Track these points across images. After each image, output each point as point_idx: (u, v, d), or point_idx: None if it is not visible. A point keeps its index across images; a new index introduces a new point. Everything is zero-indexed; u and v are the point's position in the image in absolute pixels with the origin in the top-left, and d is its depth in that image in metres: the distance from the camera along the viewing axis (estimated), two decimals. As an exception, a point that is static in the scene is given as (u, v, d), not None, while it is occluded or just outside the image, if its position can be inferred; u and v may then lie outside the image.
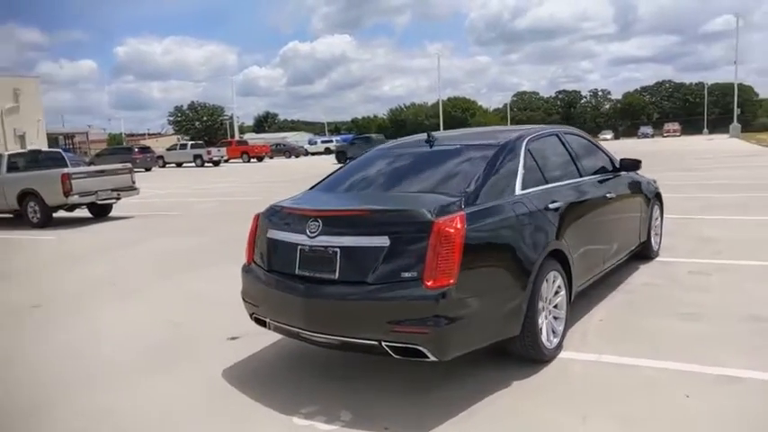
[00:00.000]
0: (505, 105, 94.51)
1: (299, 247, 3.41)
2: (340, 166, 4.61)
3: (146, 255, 8.30)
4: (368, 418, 3.14)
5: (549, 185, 4.04)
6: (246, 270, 3.84)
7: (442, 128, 51.61)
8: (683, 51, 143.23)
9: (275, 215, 3.73)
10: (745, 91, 74.03)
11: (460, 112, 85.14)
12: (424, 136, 4.38)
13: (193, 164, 38.96)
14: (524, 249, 3.46)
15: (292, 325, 3.44)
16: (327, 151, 54.83)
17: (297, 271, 3.42)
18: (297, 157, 52.95)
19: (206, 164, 38.96)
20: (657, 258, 6.09)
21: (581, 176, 4.56)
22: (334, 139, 60.22)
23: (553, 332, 3.73)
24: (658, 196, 6.21)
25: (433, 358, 3.03)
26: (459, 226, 3.07)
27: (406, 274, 3.05)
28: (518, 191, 3.70)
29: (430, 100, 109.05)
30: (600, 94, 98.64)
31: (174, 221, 11.81)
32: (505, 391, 3.36)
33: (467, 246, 3.06)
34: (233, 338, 4.54)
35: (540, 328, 3.57)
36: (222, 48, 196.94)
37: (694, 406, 3.06)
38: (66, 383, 3.90)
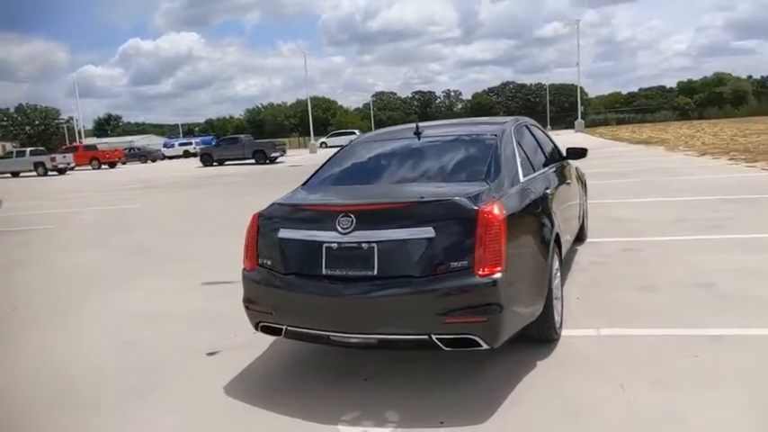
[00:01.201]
0: (365, 105, 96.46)
1: (326, 245, 3.20)
2: (329, 158, 4.35)
3: (46, 275, 7.25)
4: (418, 416, 3.04)
5: (536, 173, 4.22)
6: (250, 276, 3.52)
7: (311, 128, 51.05)
8: (521, 55, 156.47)
9: (286, 213, 3.46)
10: (575, 91, 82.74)
11: (321, 112, 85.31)
12: (409, 126, 4.34)
13: (34, 173, 34.82)
14: (544, 232, 3.60)
15: (322, 328, 3.23)
16: (187, 154, 51.97)
17: (324, 271, 3.20)
18: (153, 161, 49.52)
19: (50, 172, 35.00)
20: (588, 240, 6.60)
21: (547, 164, 4.81)
22: (192, 141, 57.08)
23: (557, 312, 3.89)
24: (585, 183, 6.74)
25: (485, 346, 3.01)
26: (500, 213, 3.09)
27: (456, 264, 3.00)
28: (521, 178, 3.81)
29: (288, 100, 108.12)
30: (452, 94, 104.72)
31: (58, 235, 10.46)
32: (535, 373, 3.43)
33: (507, 232, 3.09)
34: (211, 354, 4.15)
35: (555, 308, 3.71)
36: (49, 45, 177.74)
37: (708, 364, 3.37)
38: None
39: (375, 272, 3.09)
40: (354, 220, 3.12)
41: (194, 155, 48.86)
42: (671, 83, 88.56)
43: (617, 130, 45.45)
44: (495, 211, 3.07)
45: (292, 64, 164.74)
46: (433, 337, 3.00)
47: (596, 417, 2.91)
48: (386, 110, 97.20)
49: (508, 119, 4.56)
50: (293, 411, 3.19)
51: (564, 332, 3.95)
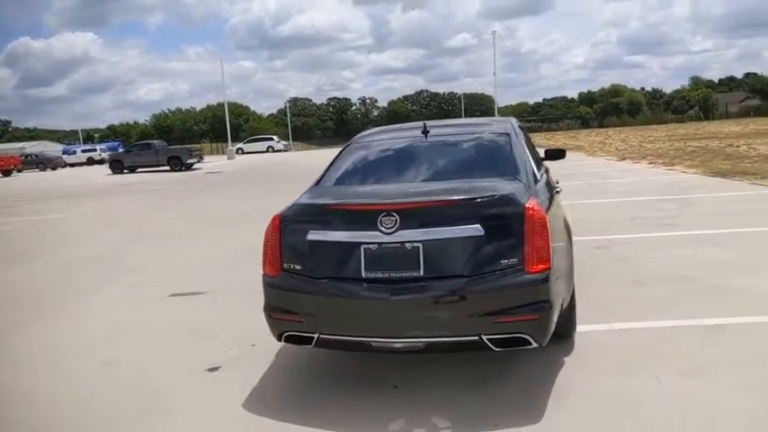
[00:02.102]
0: (279, 111, 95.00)
1: (364, 246, 3.02)
2: (337, 157, 4.12)
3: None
4: (468, 420, 2.93)
5: (542, 171, 4.25)
6: (273, 282, 3.26)
7: (229, 134, 49.44)
8: (432, 64, 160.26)
9: (315, 214, 3.25)
10: (489, 100, 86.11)
11: (234, 118, 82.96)
12: (413, 125, 4.26)
13: None
14: (566, 227, 3.64)
15: (362, 334, 3.05)
16: (91, 162, 48.76)
17: (364, 274, 3.02)
18: (54, 169, 45.92)
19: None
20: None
21: (540, 164, 4.86)
22: (98, 147, 53.60)
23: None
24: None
25: (534, 345, 2.96)
26: (543, 209, 3.06)
27: (506, 262, 2.93)
28: (538, 176, 3.82)
29: (197, 105, 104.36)
30: (368, 101, 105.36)
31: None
32: (568, 371, 3.42)
33: (549, 228, 3.06)
34: (212, 369, 3.82)
35: (575, 303, 3.74)
36: None
37: (722, 351, 3.52)
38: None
39: (421, 272, 2.95)
40: (398, 219, 2.98)
41: (99, 162, 46.03)
42: (572, 93, 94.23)
43: (532, 138, 47.38)
44: (538, 206, 3.04)
45: (198, 68, 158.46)
46: (484, 337, 2.91)
47: (644, 407, 2.93)
48: (300, 116, 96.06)
49: (504, 118, 4.57)
50: (332, 425, 2.98)
51: (578, 328, 3.99)
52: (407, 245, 2.97)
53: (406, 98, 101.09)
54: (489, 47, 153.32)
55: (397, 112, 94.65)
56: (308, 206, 3.31)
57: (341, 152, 4.16)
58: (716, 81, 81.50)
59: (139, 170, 31.17)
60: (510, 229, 2.96)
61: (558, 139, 39.43)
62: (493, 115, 79.75)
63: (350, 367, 3.69)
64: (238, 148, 51.49)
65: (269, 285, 3.28)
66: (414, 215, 3.00)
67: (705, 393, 3.04)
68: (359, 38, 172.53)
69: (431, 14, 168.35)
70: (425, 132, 4.04)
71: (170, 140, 59.15)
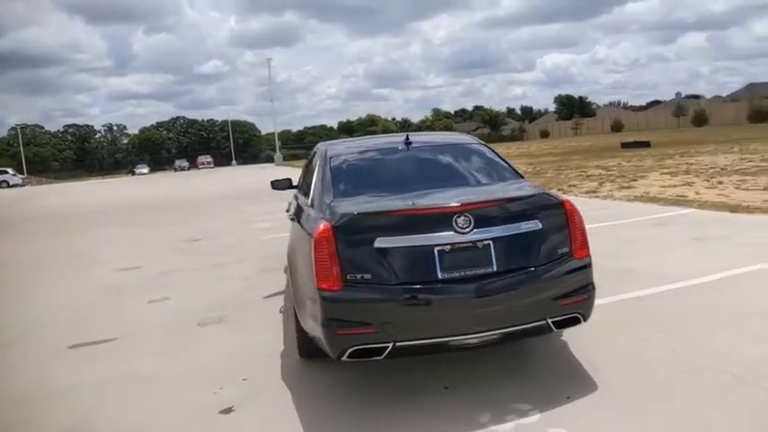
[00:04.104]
0: (1, 140, 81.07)
1: (437, 248, 3.09)
2: (332, 171, 3.95)
3: None
4: (541, 401, 3.18)
5: None
6: (339, 296, 3.07)
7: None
8: (183, 90, 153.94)
9: (380, 221, 3.18)
10: (250, 128, 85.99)
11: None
12: (394, 137, 4.41)
13: None
14: None
15: (440, 336, 3.10)
16: None
17: (440, 275, 3.08)
18: None
19: None
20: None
21: None
22: None
23: None
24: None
25: (583, 322, 3.37)
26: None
27: (561, 251, 3.30)
28: None
29: None
30: (115, 128, 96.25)
31: None
32: (582, 345, 3.83)
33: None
34: (226, 411, 3.40)
35: None
36: None
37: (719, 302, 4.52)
38: None
39: (494, 268, 3.14)
40: (472, 219, 3.13)
41: None
42: (331, 122, 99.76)
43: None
44: (570, 201, 3.48)
45: None
46: (549, 320, 3.22)
47: (662, 363, 3.54)
48: (31, 145, 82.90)
49: (460, 133, 5.02)
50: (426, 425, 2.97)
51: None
52: (479, 243, 3.14)
53: (160, 125, 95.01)
54: (243, 75, 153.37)
55: (151, 140, 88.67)
56: (369, 214, 3.23)
57: (332, 167, 4.02)
58: (452, 112, 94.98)
59: None
60: (558, 222, 3.35)
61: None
62: (257, 143, 79.70)
63: (385, 376, 3.63)
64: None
65: (332, 300, 3.09)
66: (484, 215, 3.19)
67: (690, 346, 3.79)
68: (94, 59, 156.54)
69: (178, 39, 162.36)
70: (408, 144, 4.21)
71: None
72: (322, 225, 3.20)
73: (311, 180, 4.40)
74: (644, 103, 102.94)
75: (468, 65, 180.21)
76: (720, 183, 11.52)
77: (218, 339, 4.70)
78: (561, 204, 3.39)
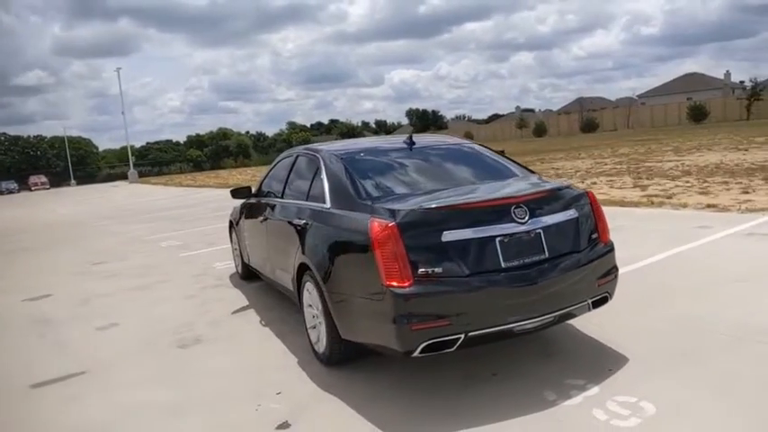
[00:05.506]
0: None
1: (498, 238, 3.25)
2: (347, 170, 3.90)
3: None
4: (589, 375, 3.45)
5: None
6: (412, 292, 3.08)
7: None
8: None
9: (446, 215, 3.24)
10: (86, 144, 78.23)
11: None
12: (396, 138, 4.48)
13: None
14: None
15: (507, 322, 3.25)
16: None
17: (503, 264, 3.24)
18: None
19: None
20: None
21: None
22: None
23: None
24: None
25: (610, 300, 3.72)
26: (588, 193, 3.88)
27: (593, 236, 3.64)
28: None
29: None
30: None
31: None
32: (617, 331, 4.12)
33: None
34: (283, 426, 3.23)
35: None
36: None
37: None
38: None
39: (546, 254, 3.38)
40: (528, 210, 3.33)
41: None
42: (177, 137, 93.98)
43: (183, 179, 44.25)
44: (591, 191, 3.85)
45: None
46: (589, 300, 3.52)
47: (671, 329, 4.02)
48: None
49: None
50: (486, 417, 3.09)
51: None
52: (532, 232, 3.36)
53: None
54: (70, 87, 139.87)
55: (-36, 159, 76.80)
56: (435, 209, 3.28)
57: (346, 165, 4.00)
58: (308, 125, 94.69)
59: None
60: (588, 210, 3.69)
61: (209, 179, 38.79)
62: (94, 160, 73.20)
63: (425, 371, 3.66)
64: None
65: (405, 297, 3.09)
66: (536, 205, 3.43)
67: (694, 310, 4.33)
68: None
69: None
70: (411, 144, 4.33)
71: None
72: (378, 223, 3.21)
73: (310, 184, 4.34)
74: (485, 117, 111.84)
75: (318, 78, 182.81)
76: (594, 183, 13.03)
77: (212, 359, 4.36)
78: (586, 194, 3.74)
